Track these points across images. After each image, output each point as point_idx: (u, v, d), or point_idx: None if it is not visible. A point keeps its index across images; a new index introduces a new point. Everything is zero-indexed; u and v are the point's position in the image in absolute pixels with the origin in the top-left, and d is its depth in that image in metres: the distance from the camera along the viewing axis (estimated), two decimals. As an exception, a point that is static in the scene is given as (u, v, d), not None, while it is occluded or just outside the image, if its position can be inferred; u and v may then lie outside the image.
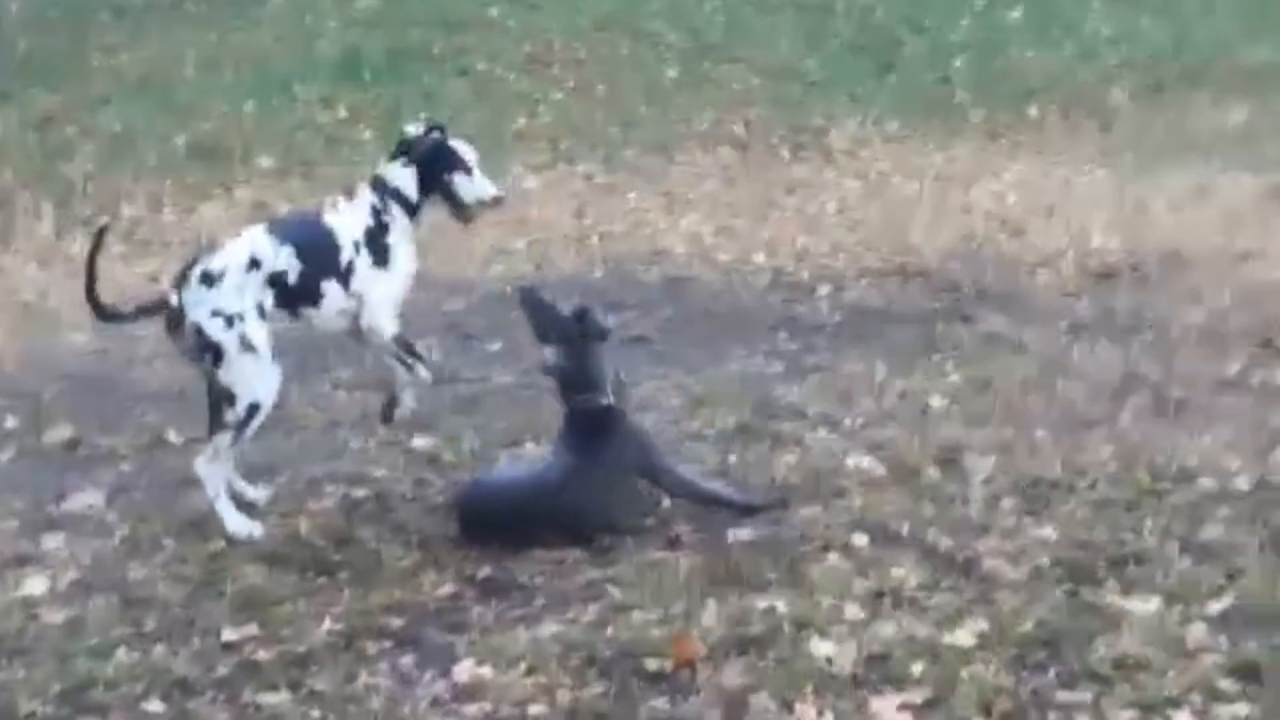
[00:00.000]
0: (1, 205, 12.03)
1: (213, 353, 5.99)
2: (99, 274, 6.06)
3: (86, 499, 6.41)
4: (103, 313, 6.12)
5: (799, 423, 7.10)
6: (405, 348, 6.38)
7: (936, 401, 7.32)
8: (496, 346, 8.55)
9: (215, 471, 6.04)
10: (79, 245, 11.16)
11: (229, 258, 6.08)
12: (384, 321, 6.32)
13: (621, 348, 8.18)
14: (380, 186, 6.37)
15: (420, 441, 7.06)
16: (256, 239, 6.18)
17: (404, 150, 6.42)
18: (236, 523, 6.01)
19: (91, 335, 8.97)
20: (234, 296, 6.00)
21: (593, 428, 6.01)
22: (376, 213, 6.33)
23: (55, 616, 5.39)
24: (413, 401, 6.51)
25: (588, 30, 16.63)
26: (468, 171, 6.46)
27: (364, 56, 15.82)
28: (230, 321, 5.97)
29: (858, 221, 11.12)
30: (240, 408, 6.00)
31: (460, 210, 6.51)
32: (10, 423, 7.46)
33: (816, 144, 13.61)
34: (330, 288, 6.21)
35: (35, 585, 5.62)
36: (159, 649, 5.14)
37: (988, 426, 6.95)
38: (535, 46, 16.18)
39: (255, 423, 6.06)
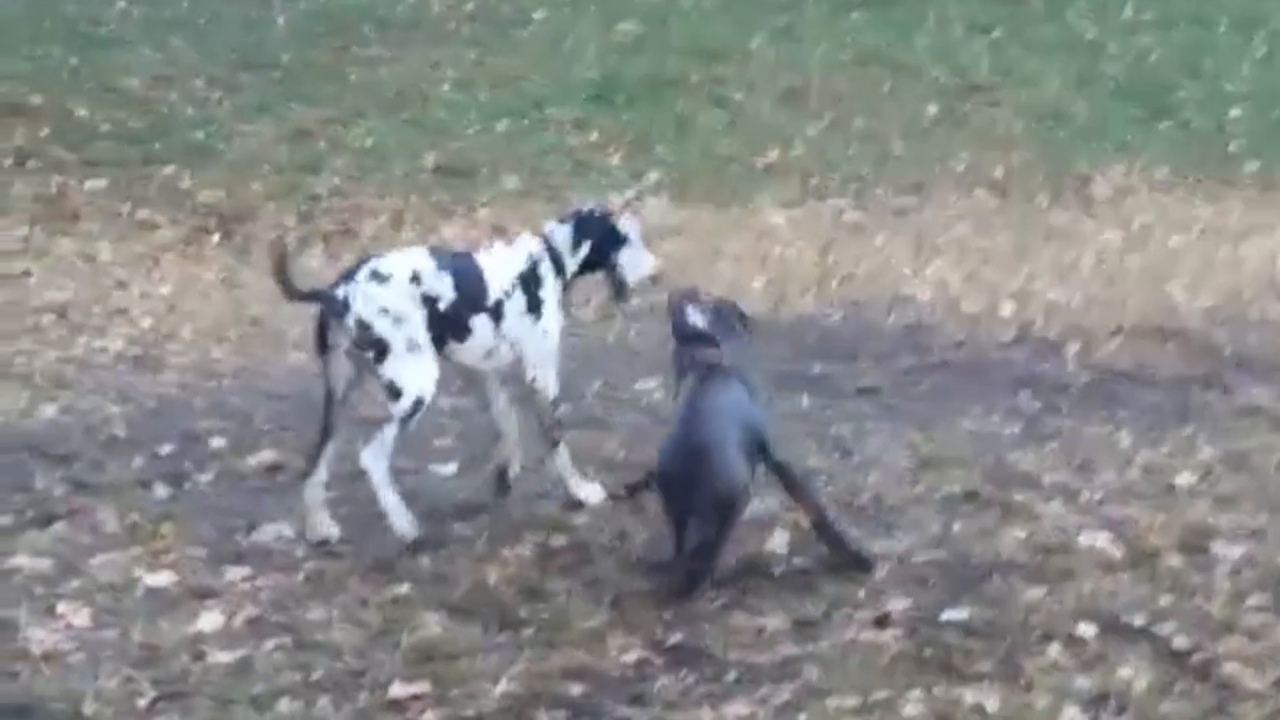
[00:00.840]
0: (246, 218, 12.02)
1: (376, 349, 6.03)
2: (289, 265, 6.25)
3: (277, 529, 6.19)
4: (292, 292, 6.20)
5: (1032, 492, 6.62)
6: (555, 422, 6.43)
7: (1185, 478, 6.79)
8: (721, 390, 8.17)
9: (382, 464, 6.03)
10: (316, 261, 11.12)
11: (396, 264, 6.15)
12: (548, 379, 6.37)
13: (852, 398, 7.84)
14: (545, 241, 6.45)
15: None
16: (419, 257, 6.25)
17: (579, 223, 6.49)
18: (402, 521, 5.99)
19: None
20: (402, 299, 6.03)
21: (706, 376, 5.91)
22: (534, 263, 6.37)
23: (223, 657, 5.15)
24: (516, 466, 6.55)
25: (849, 64, 16.22)
26: (630, 246, 6.56)
27: (620, 82, 15.60)
28: (398, 321, 6.00)
29: (1115, 275, 10.54)
30: (406, 402, 6.04)
31: (621, 290, 6.62)
32: (217, 443, 7.29)
33: (1078, 191, 13.02)
34: (479, 323, 6.19)
35: (209, 621, 5.39)
36: (323, 701, 4.87)
37: (1240, 510, 6.41)
38: (794, 79, 15.81)
39: (418, 417, 6.08)
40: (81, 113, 14.19)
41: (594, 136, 14.26)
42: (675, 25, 17.13)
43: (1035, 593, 5.58)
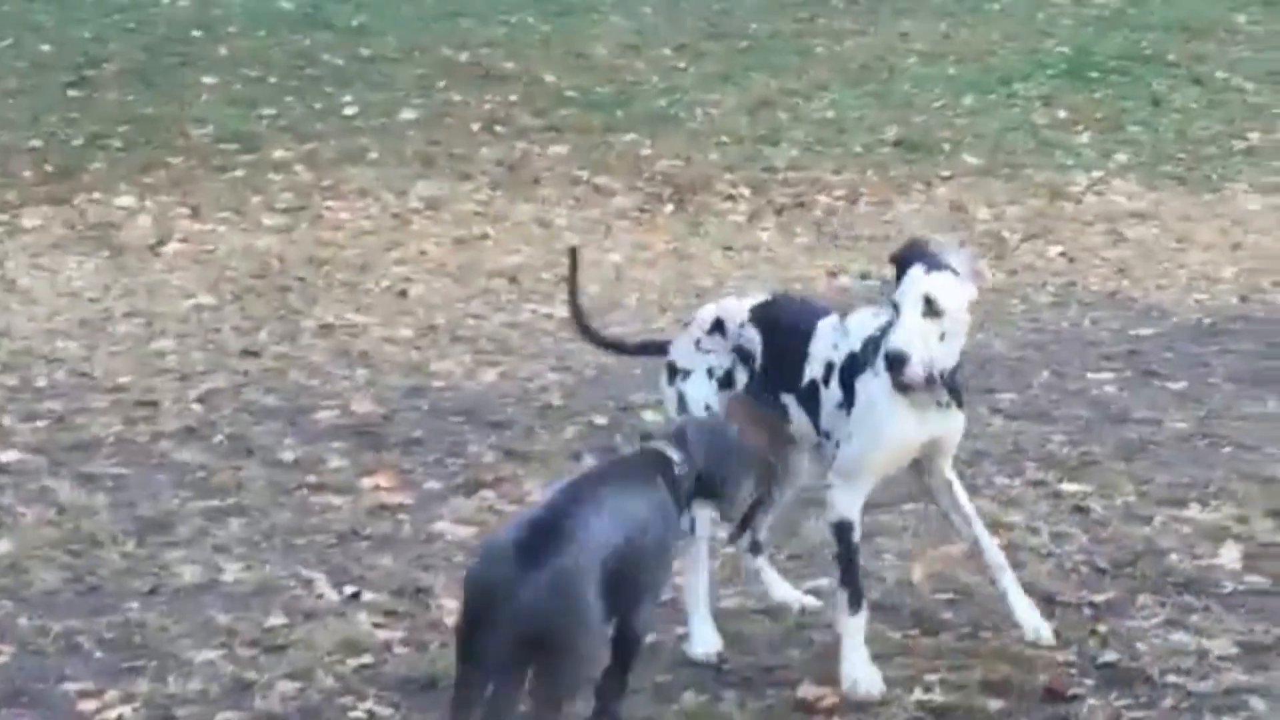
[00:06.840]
0: (702, 187, 11.95)
1: None
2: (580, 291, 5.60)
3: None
4: (592, 336, 5.59)
5: None
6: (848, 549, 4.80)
7: None
8: (1179, 386, 7.68)
9: None
10: (768, 234, 10.99)
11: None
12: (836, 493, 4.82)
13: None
14: None
15: (1070, 487, 6.34)
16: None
17: None
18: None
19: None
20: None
21: None
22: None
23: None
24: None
25: (1344, 40, 15.27)
26: None
27: (1093, 57, 15.01)
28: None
29: None
30: None
31: None
32: (651, 416, 7.18)
33: None
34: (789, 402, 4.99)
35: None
36: (729, 695, 4.67)
37: None
38: (1281, 56, 14.96)
39: None
40: (549, 79, 14.38)
41: (1062, 114, 13.72)
42: (1154, -1, 16.45)
43: None
